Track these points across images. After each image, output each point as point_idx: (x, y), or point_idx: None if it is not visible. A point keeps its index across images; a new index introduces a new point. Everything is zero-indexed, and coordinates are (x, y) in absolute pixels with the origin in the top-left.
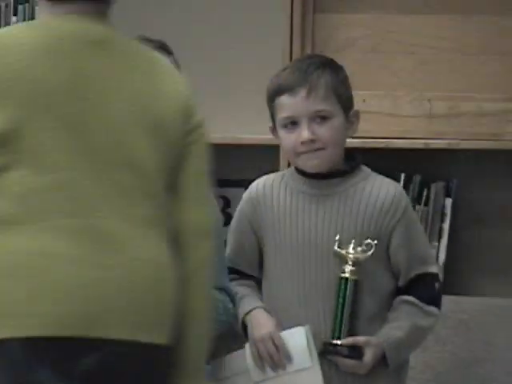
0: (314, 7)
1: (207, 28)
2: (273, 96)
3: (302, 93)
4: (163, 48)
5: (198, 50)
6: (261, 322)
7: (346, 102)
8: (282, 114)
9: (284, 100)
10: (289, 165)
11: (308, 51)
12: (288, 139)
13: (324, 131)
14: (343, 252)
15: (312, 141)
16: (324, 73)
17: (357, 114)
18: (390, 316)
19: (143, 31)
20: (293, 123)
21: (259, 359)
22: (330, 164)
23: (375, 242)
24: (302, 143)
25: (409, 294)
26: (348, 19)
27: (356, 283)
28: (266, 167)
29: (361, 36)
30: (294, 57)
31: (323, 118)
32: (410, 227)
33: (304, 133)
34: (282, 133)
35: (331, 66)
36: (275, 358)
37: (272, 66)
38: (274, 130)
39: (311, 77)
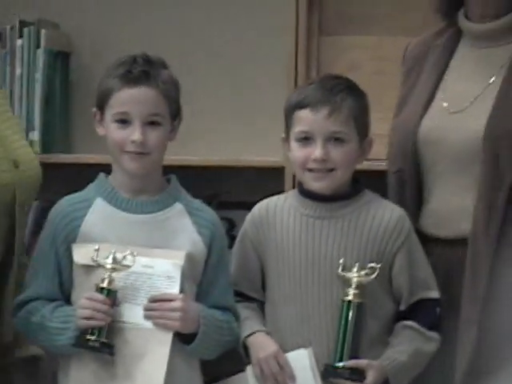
0: (319, 30)
1: (211, 50)
2: (293, 108)
3: (324, 111)
4: (164, 66)
5: (203, 71)
6: (264, 344)
7: (362, 129)
8: (299, 128)
9: (304, 114)
10: (294, 187)
11: (313, 74)
12: (300, 153)
13: (337, 153)
14: (347, 275)
15: (324, 160)
16: (348, 96)
17: (370, 142)
18: (392, 341)
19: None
20: (307, 139)
21: (263, 380)
22: (337, 187)
23: (379, 265)
24: (314, 161)
25: (410, 319)
26: (353, 42)
27: (359, 306)
28: (270, 189)
29: (366, 58)
30: (299, 79)
31: (339, 140)
32: (412, 251)
33: (318, 151)
34: (294, 145)
35: (355, 92)
36: (279, 378)
37: (277, 88)
38: (285, 140)
39: (336, 98)
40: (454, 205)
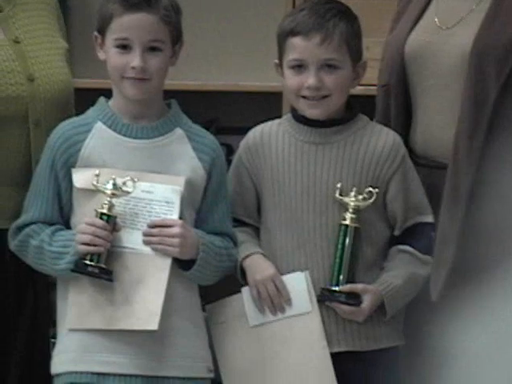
0: None
1: None
2: (285, 35)
3: (317, 39)
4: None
5: None
6: (261, 266)
7: (356, 54)
8: (291, 56)
9: (297, 42)
10: (291, 111)
11: None
12: (293, 80)
13: (331, 80)
14: (345, 199)
15: (317, 88)
16: (340, 21)
17: (364, 65)
18: (387, 265)
19: None
20: (300, 66)
21: (259, 302)
22: (331, 112)
23: (376, 190)
24: (308, 88)
25: (405, 243)
26: None
27: (356, 230)
28: (269, 114)
29: None
30: (296, 2)
31: (332, 66)
32: (407, 176)
33: (311, 79)
34: (287, 73)
35: (347, 16)
36: (276, 300)
37: (274, 12)
38: (279, 67)
39: (328, 24)
40: (439, 122)
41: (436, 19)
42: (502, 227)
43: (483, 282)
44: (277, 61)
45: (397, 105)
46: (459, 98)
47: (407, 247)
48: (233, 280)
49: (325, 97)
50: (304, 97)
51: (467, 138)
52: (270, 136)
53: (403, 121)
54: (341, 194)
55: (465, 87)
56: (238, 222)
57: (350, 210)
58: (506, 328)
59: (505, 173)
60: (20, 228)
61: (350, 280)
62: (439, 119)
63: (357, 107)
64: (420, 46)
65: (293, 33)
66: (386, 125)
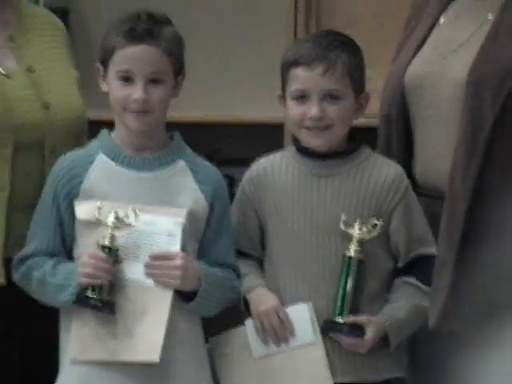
0: None
1: (212, 6)
2: (289, 65)
3: (319, 69)
4: (168, 22)
5: (202, 28)
6: (265, 297)
7: (358, 85)
8: (294, 86)
9: (299, 72)
10: (293, 142)
11: (312, 29)
12: (296, 111)
13: (333, 111)
14: (349, 231)
15: (320, 118)
16: (343, 53)
17: (367, 97)
18: (391, 297)
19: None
20: (303, 97)
21: (263, 333)
22: (334, 144)
23: (381, 222)
24: (310, 118)
25: (408, 275)
26: None
27: (360, 262)
28: (271, 146)
29: (365, 13)
30: (298, 34)
31: (335, 97)
32: (410, 208)
33: (314, 109)
34: (290, 103)
35: (350, 47)
36: (279, 331)
37: (275, 44)
38: (282, 98)
39: (330, 55)
40: (438, 151)
41: (434, 49)
42: (498, 254)
43: (483, 310)
44: (280, 92)
45: (398, 135)
46: (457, 128)
47: (411, 279)
48: (235, 311)
49: (327, 127)
50: (307, 128)
51: (463, 166)
52: (273, 168)
53: (405, 151)
54: (345, 225)
55: (461, 116)
56: (243, 254)
57: (355, 242)
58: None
59: (501, 200)
60: (23, 259)
61: (354, 311)
62: (438, 149)
63: (360, 139)
64: (419, 76)
65: (296, 63)
66: (387, 155)
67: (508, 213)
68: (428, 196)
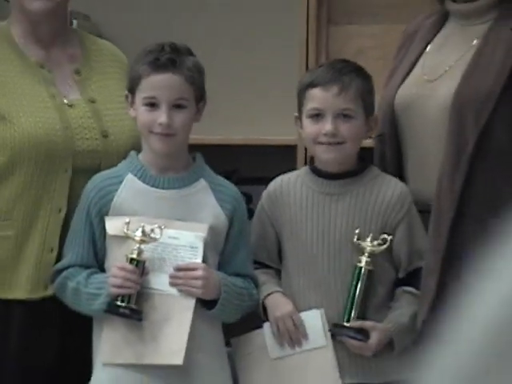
0: (328, 20)
1: (233, 38)
2: (305, 87)
3: (334, 89)
4: (189, 53)
5: (223, 57)
6: (281, 303)
7: (368, 108)
8: (311, 105)
9: (316, 92)
10: (305, 163)
11: (323, 59)
12: (312, 128)
13: (346, 128)
14: (362, 244)
15: (333, 134)
16: (356, 77)
17: (376, 120)
18: (394, 304)
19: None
20: (318, 115)
21: (278, 336)
22: (345, 160)
23: (390, 237)
24: (325, 134)
25: (409, 285)
26: (359, 30)
27: (370, 273)
28: (284, 166)
29: (371, 46)
30: (309, 65)
31: (347, 116)
32: (411, 224)
33: (328, 125)
34: (306, 122)
35: (362, 73)
36: (293, 335)
37: (289, 73)
38: (298, 119)
39: (345, 77)
40: (427, 168)
41: (422, 73)
42: (479, 259)
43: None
44: (296, 114)
45: (391, 153)
46: (443, 146)
47: (411, 289)
48: (254, 316)
49: (339, 143)
50: (321, 143)
51: (448, 180)
52: (289, 186)
53: (398, 167)
54: (358, 239)
55: (447, 135)
56: (262, 265)
57: (366, 254)
58: None
59: (482, 213)
60: (59, 271)
61: (362, 317)
62: (426, 165)
63: (368, 159)
64: (408, 98)
65: (312, 85)
66: (383, 171)
67: (488, 225)
68: (420, 210)
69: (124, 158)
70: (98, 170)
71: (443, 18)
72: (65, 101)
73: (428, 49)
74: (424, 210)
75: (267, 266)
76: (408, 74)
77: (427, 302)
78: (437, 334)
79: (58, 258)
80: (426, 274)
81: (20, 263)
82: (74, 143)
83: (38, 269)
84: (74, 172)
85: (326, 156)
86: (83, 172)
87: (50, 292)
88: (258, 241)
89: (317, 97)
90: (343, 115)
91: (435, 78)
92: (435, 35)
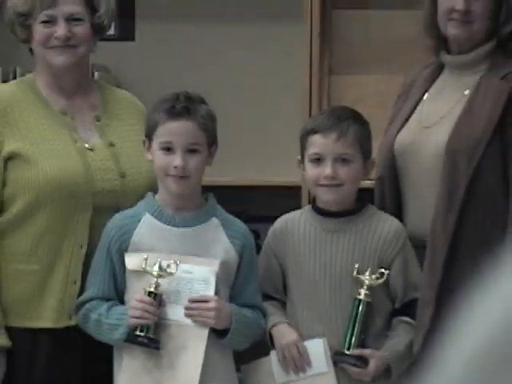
0: (330, 70)
1: (240, 86)
2: (307, 133)
3: (333, 136)
4: (202, 101)
5: (234, 106)
6: (286, 333)
7: (366, 152)
8: (312, 150)
9: (316, 139)
10: (309, 203)
11: (325, 106)
12: (313, 172)
13: (344, 171)
14: (361, 278)
15: (333, 177)
16: (354, 124)
17: (373, 163)
18: (391, 334)
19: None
20: (319, 160)
21: (284, 363)
22: (344, 200)
23: (388, 271)
24: (325, 177)
25: (404, 315)
26: (358, 80)
27: (368, 304)
28: (289, 205)
29: (368, 93)
30: (313, 112)
31: (346, 160)
32: (407, 258)
33: (328, 169)
34: (308, 165)
35: (360, 120)
36: (298, 362)
37: (294, 120)
38: (301, 162)
39: (343, 124)
40: (423, 209)
41: (420, 121)
42: (472, 293)
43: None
44: (299, 157)
45: (390, 194)
46: (437, 189)
47: (407, 318)
48: (262, 344)
49: (338, 185)
50: (322, 185)
51: (442, 220)
52: (293, 224)
53: (397, 207)
54: (358, 273)
55: (440, 179)
56: (268, 297)
57: (365, 287)
58: None
59: (473, 252)
60: (82, 303)
61: (361, 346)
62: (423, 206)
63: (366, 199)
64: (405, 144)
65: (313, 131)
66: (382, 210)
67: (479, 263)
68: (416, 246)
69: (141, 197)
70: (116, 208)
71: (439, 69)
72: (86, 145)
73: (425, 97)
74: (420, 246)
75: (273, 298)
76: (407, 120)
77: (422, 332)
78: (431, 362)
79: (81, 290)
80: (422, 306)
81: (46, 295)
82: (94, 184)
83: (63, 300)
84: (94, 210)
85: (326, 197)
86: (103, 210)
87: (73, 322)
88: (264, 274)
89: (317, 142)
90: (342, 159)
91: (431, 125)
92: (432, 84)
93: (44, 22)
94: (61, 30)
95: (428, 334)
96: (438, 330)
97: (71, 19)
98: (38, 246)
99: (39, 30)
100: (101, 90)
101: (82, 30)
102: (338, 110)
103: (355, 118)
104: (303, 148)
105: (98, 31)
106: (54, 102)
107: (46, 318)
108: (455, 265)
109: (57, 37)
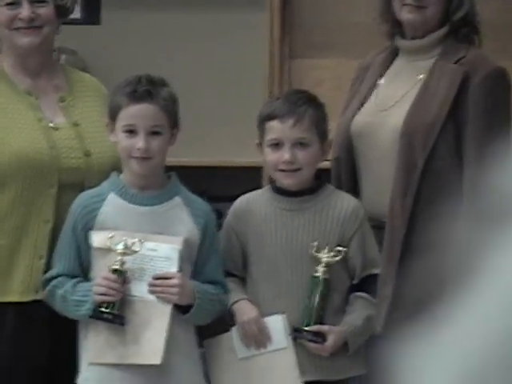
0: (290, 54)
1: (202, 70)
2: (265, 119)
3: (290, 121)
4: (164, 84)
5: (196, 89)
6: (247, 309)
7: (323, 134)
8: (270, 136)
9: (274, 124)
10: (270, 182)
11: (285, 89)
12: (272, 157)
13: (302, 156)
14: (319, 255)
15: (291, 162)
16: (310, 108)
17: (330, 143)
18: (348, 309)
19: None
20: (277, 144)
21: (245, 339)
22: (302, 183)
23: (345, 249)
24: (283, 162)
25: (362, 291)
26: (317, 64)
27: (326, 281)
28: (251, 185)
29: (327, 77)
30: (274, 93)
31: (303, 144)
32: (365, 235)
33: (286, 154)
34: (267, 150)
35: (315, 103)
36: (258, 338)
37: (256, 102)
38: (260, 146)
39: (299, 109)
40: (379, 188)
41: (375, 104)
42: (429, 269)
43: (419, 313)
44: (257, 141)
45: (346, 174)
46: (394, 169)
47: (363, 294)
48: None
49: (297, 170)
50: (281, 170)
51: (400, 199)
52: (253, 203)
53: (352, 187)
54: (316, 251)
55: (397, 159)
56: (228, 274)
57: (323, 265)
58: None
59: (431, 225)
60: (48, 280)
61: (320, 322)
62: (379, 186)
63: (323, 178)
64: (362, 125)
65: (270, 117)
66: None
67: (435, 237)
68: (373, 226)
69: (106, 175)
70: (82, 186)
71: (394, 53)
72: (50, 124)
73: (380, 82)
74: (378, 226)
75: (233, 275)
76: (362, 104)
77: (384, 308)
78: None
79: (47, 266)
80: (382, 284)
81: (12, 269)
82: (59, 161)
83: (29, 274)
84: (60, 187)
85: (285, 181)
86: (69, 188)
87: (39, 296)
88: (224, 252)
89: (275, 128)
90: (300, 144)
91: (386, 108)
92: (387, 69)
93: (8, 4)
94: (25, 11)
95: (390, 309)
96: (399, 305)
97: (35, 1)
98: (4, 222)
99: (3, 12)
100: (65, 73)
101: (45, 11)
102: (294, 94)
103: (311, 102)
104: (261, 133)
105: (62, 13)
106: (19, 82)
107: (13, 292)
108: (412, 241)
109: (21, 18)
